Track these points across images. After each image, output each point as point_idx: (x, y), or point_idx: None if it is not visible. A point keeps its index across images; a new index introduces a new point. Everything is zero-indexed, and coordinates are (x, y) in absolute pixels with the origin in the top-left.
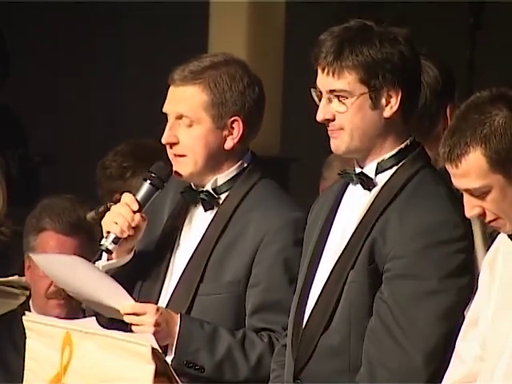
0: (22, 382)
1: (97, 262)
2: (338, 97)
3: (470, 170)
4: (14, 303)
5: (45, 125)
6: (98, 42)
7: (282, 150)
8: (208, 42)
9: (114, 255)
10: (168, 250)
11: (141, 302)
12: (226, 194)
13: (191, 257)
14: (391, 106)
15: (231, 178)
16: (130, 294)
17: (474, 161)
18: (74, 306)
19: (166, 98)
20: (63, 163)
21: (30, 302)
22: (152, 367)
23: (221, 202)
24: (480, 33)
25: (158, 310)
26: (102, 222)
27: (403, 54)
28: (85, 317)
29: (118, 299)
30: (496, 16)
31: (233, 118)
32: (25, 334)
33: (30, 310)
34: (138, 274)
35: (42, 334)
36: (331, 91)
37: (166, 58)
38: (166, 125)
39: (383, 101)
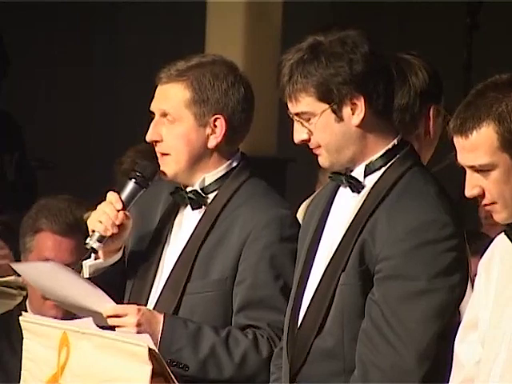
0: (20, 382)
1: (84, 262)
2: (303, 118)
3: (479, 144)
4: (10, 303)
5: (42, 129)
6: (96, 43)
7: (278, 150)
8: (205, 42)
9: (100, 254)
10: (158, 250)
11: (132, 302)
12: (214, 193)
13: (179, 256)
14: (358, 113)
15: (219, 178)
16: (123, 296)
17: (486, 135)
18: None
19: None
20: (60, 168)
21: (27, 302)
22: (149, 367)
23: (209, 201)
24: (477, 33)
25: (139, 310)
26: (88, 220)
27: (353, 61)
28: (81, 317)
29: (99, 302)
30: (493, 17)
31: (215, 117)
32: (22, 334)
33: (26, 311)
34: (130, 274)
35: (39, 335)
36: (296, 114)
37: (164, 58)
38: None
39: (348, 111)
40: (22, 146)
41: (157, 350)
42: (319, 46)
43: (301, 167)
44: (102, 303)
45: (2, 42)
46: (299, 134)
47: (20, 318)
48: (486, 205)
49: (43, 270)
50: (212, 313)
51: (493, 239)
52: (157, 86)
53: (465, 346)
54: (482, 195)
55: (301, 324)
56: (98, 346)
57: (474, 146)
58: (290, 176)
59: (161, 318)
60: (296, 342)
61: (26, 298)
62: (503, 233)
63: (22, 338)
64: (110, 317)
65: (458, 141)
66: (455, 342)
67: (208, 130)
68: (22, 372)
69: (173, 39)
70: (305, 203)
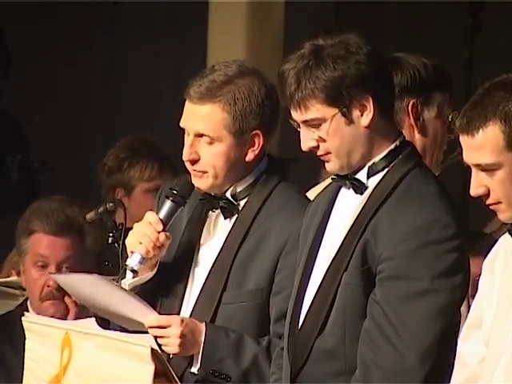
0: (22, 382)
1: (122, 281)
2: (312, 125)
3: (485, 142)
4: (12, 304)
5: (42, 130)
6: (97, 43)
7: (280, 150)
8: (207, 41)
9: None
10: (188, 260)
11: (164, 313)
12: (244, 200)
13: (213, 265)
14: (367, 113)
15: (249, 184)
16: (154, 308)
17: (492, 134)
18: (67, 305)
19: (166, 101)
20: (62, 168)
21: (29, 303)
22: (151, 368)
23: (240, 208)
24: (479, 34)
25: (182, 321)
26: (126, 241)
27: (359, 62)
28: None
29: (141, 313)
30: (495, 17)
31: (254, 132)
32: (24, 334)
33: (28, 311)
34: (159, 287)
35: (41, 335)
36: (304, 122)
37: (165, 59)
38: (178, 136)
39: (357, 112)
40: (23, 147)
41: (159, 351)
42: (322, 50)
43: (304, 167)
44: (144, 314)
45: (4, 45)
46: (308, 142)
47: (22, 318)
48: (490, 204)
49: (84, 282)
50: (247, 322)
51: (497, 239)
52: (184, 101)
53: (468, 345)
54: (487, 194)
55: (302, 324)
56: (100, 346)
57: (480, 145)
58: (293, 176)
59: (203, 327)
60: (297, 342)
61: (27, 298)
62: (507, 232)
63: (25, 338)
64: (152, 327)
65: (463, 139)
66: (458, 341)
67: (246, 146)
68: (24, 372)
69: (174, 39)
70: (316, 188)
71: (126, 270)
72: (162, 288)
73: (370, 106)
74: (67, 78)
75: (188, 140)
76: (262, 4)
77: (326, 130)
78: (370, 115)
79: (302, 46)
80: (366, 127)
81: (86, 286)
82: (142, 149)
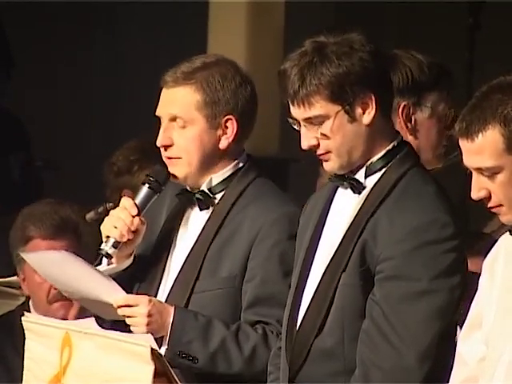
0: (22, 382)
1: (97, 267)
2: (315, 123)
3: (485, 146)
4: (13, 304)
5: (42, 129)
6: (97, 43)
7: (280, 150)
8: (207, 42)
9: (113, 260)
10: (165, 251)
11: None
12: (221, 193)
13: (188, 256)
14: (369, 111)
15: (226, 178)
16: (123, 288)
17: (491, 138)
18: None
19: None
20: (64, 168)
21: (32, 307)
22: (151, 368)
23: (216, 201)
24: (479, 33)
25: (150, 301)
26: (102, 226)
27: (363, 59)
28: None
29: (110, 292)
30: (495, 16)
31: (226, 117)
32: (24, 334)
33: (29, 311)
34: (136, 276)
35: (41, 335)
36: (307, 119)
37: (165, 59)
38: (159, 128)
39: (359, 110)
40: (27, 146)
41: (159, 351)
42: (325, 47)
43: (304, 167)
44: (113, 293)
45: (7, 44)
46: (308, 140)
47: (22, 318)
48: (492, 207)
49: (54, 260)
50: (221, 310)
51: (497, 239)
52: (161, 89)
53: (468, 345)
54: (489, 197)
55: (300, 324)
56: (100, 346)
57: (480, 149)
58: (293, 177)
59: (171, 309)
60: (295, 342)
61: (28, 298)
62: (508, 233)
63: (25, 338)
64: (121, 307)
65: (463, 143)
66: (458, 341)
67: (219, 132)
68: (24, 372)
69: (174, 40)
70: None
71: (102, 256)
72: (138, 278)
73: (372, 104)
74: (67, 77)
75: (162, 126)
76: (263, 4)
77: (329, 127)
78: (372, 113)
79: (303, 44)
80: (367, 125)
81: (55, 264)
82: (152, 152)
